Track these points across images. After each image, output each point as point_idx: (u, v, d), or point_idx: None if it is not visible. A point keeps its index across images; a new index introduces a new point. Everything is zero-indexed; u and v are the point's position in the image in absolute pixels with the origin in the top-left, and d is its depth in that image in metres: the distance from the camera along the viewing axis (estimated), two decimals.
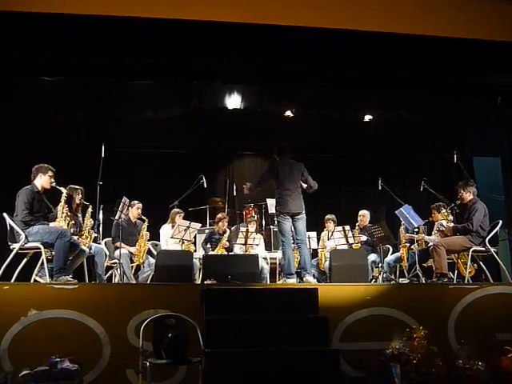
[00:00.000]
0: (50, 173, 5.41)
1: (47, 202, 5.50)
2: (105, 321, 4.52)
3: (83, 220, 5.93)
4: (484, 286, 5.28)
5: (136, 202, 6.74)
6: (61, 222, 5.34)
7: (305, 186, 6.18)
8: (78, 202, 5.86)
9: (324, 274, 7.03)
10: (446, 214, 6.36)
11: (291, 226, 6.15)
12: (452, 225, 6.18)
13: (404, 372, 4.30)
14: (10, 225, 5.20)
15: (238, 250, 7.09)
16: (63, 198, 5.43)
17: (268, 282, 6.76)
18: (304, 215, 6.07)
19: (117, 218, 6.33)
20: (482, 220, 5.84)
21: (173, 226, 6.82)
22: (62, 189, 5.49)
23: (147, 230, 6.68)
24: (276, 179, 6.13)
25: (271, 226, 8.04)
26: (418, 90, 7.20)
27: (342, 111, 8.42)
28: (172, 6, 5.24)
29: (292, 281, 5.95)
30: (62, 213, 5.39)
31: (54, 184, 5.43)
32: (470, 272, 6.18)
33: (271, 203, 8.02)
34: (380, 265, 6.81)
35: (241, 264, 5.94)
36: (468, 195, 6.04)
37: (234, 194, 8.52)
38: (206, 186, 7.62)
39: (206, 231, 7.53)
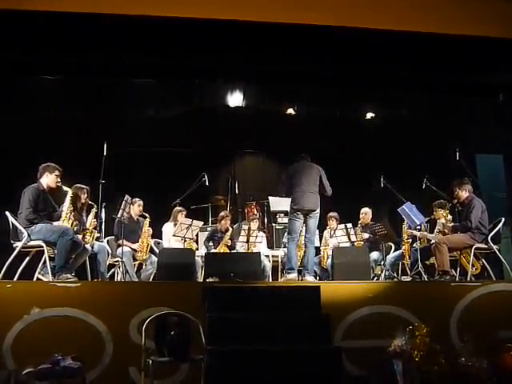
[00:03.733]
0: (57, 172, 5.42)
1: (52, 201, 5.50)
2: (107, 319, 4.53)
3: (87, 219, 5.94)
4: (486, 283, 5.28)
5: (137, 199, 6.75)
6: (65, 222, 5.35)
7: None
8: (83, 201, 5.87)
9: (326, 271, 7.02)
10: (444, 214, 6.36)
11: (302, 225, 6.16)
12: (451, 224, 6.19)
13: (406, 369, 4.29)
14: (12, 223, 5.22)
15: (240, 247, 7.10)
16: (69, 199, 5.45)
17: (270, 279, 6.77)
18: (318, 215, 6.10)
19: (119, 216, 6.34)
20: (480, 216, 5.85)
21: (175, 224, 6.83)
22: (68, 189, 5.50)
23: (149, 226, 6.69)
24: (291, 180, 6.16)
25: (273, 224, 8.04)
26: (418, 89, 7.19)
27: (342, 110, 8.42)
28: (172, 4, 5.24)
29: (292, 276, 5.96)
30: (67, 213, 5.40)
31: (59, 184, 5.44)
32: (476, 269, 6.18)
33: (273, 201, 8.03)
34: (382, 262, 6.81)
35: (243, 262, 5.95)
36: (464, 193, 6.06)
37: (236, 191, 8.52)
38: (208, 184, 7.65)
39: (209, 229, 7.54)
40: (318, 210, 6.12)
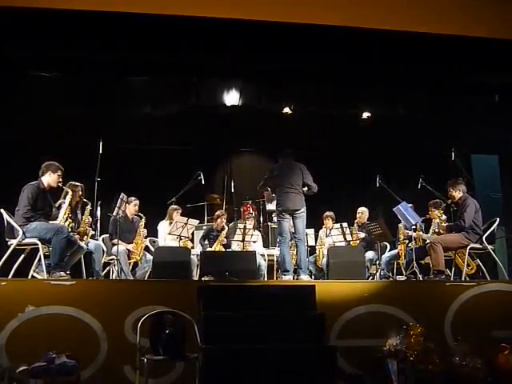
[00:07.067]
0: (59, 172, 5.40)
1: (51, 201, 5.47)
2: (102, 317, 4.52)
3: (81, 217, 5.92)
4: (481, 283, 5.30)
5: (133, 198, 6.73)
6: (61, 223, 5.33)
7: (305, 189, 6.21)
8: (77, 198, 5.85)
9: (322, 270, 7.03)
10: (438, 214, 6.38)
11: (290, 225, 6.18)
12: (446, 224, 6.21)
13: (401, 369, 4.31)
14: (7, 221, 5.20)
15: (235, 246, 7.10)
16: (68, 200, 5.43)
17: (265, 278, 6.78)
18: (304, 214, 6.13)
19: (114, 214, 6.33)
20: (474, 216, 5.87)
21: (170, 223, 6.82)
22: (68, 190, 5.47)
23: (144, 227, 6.68)
24: (275, 180, 6.16)
25: (269, 223, 8.05)
26: (415, 89, 7.21)
27: (340, 109, 8.42)
28: (170, 2, 5.23)
29: (287, 278, 5.99)
30: (65, 214, 5.39)
31: (61, 184, 5.42)
32: (471, 269, 6.20)
33: None
34: (377, 262, 6.83)
35: (238, 261, 5.95)
36: (458, 193, 6.08)
37: (232, 190, 8.52)
38: (203, 182, 7.64)
39: (204, 228, 7.53)
40: (303, 209, 6.13)
